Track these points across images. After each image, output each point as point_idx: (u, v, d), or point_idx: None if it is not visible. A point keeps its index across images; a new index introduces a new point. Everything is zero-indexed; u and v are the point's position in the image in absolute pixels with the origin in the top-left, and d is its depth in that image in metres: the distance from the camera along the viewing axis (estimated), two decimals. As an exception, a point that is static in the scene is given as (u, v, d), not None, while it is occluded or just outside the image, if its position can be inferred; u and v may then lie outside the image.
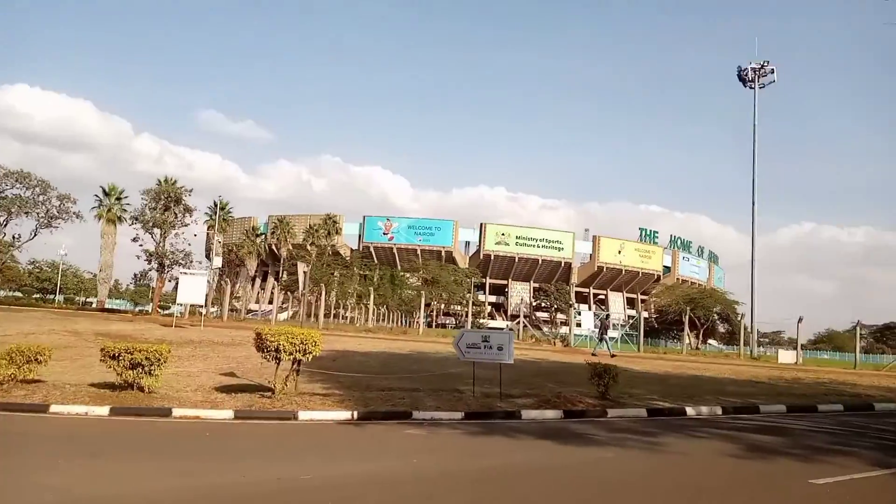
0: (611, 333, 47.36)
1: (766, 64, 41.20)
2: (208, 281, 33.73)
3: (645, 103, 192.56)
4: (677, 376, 18.65)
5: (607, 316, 29.45)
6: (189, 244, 45.09)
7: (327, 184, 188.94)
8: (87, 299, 73.91)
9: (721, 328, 79.45)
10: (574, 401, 12.25)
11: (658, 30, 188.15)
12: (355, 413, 10.75)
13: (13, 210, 47.56)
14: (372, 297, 48.75)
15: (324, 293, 47.66)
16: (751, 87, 41.50)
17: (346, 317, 68.57)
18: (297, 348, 11.07)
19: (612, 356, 24.21)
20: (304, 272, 35.72)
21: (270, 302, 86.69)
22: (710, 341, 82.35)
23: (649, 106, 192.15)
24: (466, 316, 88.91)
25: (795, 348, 30.96)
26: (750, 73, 41.44)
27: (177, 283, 67.30)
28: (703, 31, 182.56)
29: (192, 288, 28.07)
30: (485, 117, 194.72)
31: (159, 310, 51.77)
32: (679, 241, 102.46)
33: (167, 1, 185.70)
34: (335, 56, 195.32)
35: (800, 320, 30.07)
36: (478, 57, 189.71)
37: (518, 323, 36.90)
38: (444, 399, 12.12)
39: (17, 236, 49.29)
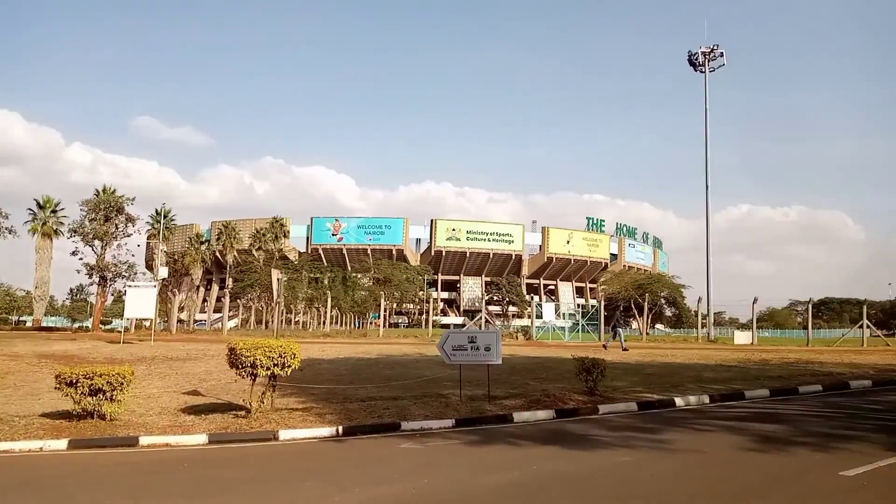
0: (560, 323, 47.62)
1: (715, 48, 41.87)
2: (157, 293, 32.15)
3: (587, 93, 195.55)
4: (650, 364, 18.56)
5: (622, 307, 29.26)
6: (133, 255, 43.13)
7: (271, 186, 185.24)
8: (21, 318, 70.00)
9: (668, 312, 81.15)
10: (563, 399, 11.86)
11: (602, 19, 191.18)
12: (339, 428, 10.08)
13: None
14: (329, 300, 47.52)
15: (280, 300, 46.38)
16: (701, 72, 42.04)
17: (297, 321, 67.03)
18: (276, 362, 10.31)
19: (624, 350, 23.93)
20: (279, 279, 34.22)
21: (217, 311, 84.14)
22: (658, 326, 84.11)
23: (591, 95, 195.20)
24: (420, 314, 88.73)
25: (751, 329, 31.57)
26: (700, 56, 42.01)
27: (117, 297, 64.35)
28: (645, 19, 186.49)
29: (141, 301, 26.62)
30: (427, 113, 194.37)
31: (101, 326, 49.41)
32: (624, 229, 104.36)
33: (90, 4, 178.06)
34: (271, 57, 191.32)
35: (755, 301, 30.66)
36: (416, 53, 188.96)
37: (478, 319, 36.51)
38: (431, 406, 11.53)
39: (-60, 255, 46.17)
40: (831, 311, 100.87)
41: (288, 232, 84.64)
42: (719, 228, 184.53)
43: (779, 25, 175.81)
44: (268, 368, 10.30)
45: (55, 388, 10.35)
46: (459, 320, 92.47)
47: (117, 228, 42.86)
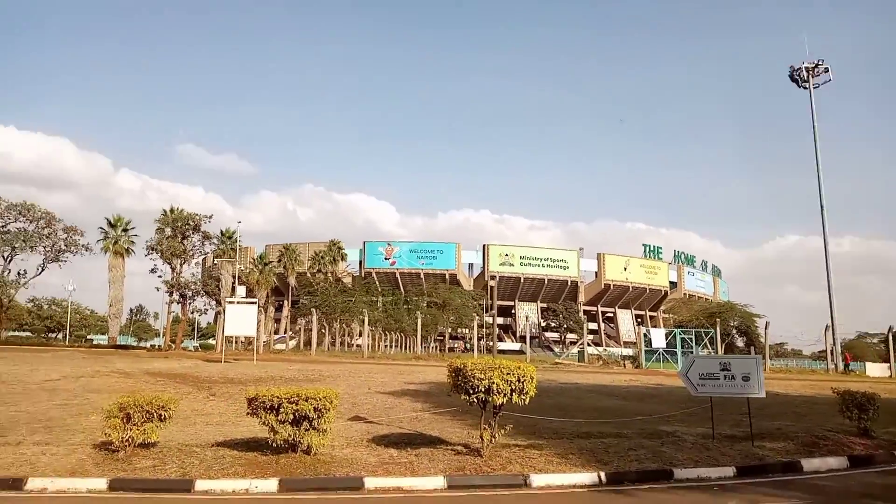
0: (626, 351, 44.34)
1: (820, 62, 39.48)
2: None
3: (626, 119, 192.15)
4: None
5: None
6: (217, 274, 42.55)
7: (313, 213, 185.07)
8: (88, 336, 69.57)
9: (740, 343, 77.21)
10: (844, 443, 9.51)
11: (645, 43, 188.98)
12: (602, 474, 7.94)
13: (17, 245, 44.04)
14: (419, 324, 45.64)
15: (366, 323, 44.77)
16: (804, 88, 39.54)
17: (352, 344, 64.93)
18: (514, 387, 8.23)
19: None
20: (492, 285, 32.03)
21: (276, 332, 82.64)
22: (727, 357, 79.96)
23: (629, 123, 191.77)
24: (475, 339, 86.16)
25: (888, 361, 28.54)
26: (803, 72, 39.65)
27: (196, 316, 63.05)
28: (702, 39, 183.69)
29: (241, 318, 25.03)
30: (464, 140, 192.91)
31: (171, 343, 48.35)
32: (683, 256, 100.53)
33: (135, 36, 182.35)
34: (308, 85, 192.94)
35: (890, 330, 27.66)
36: (455, 82, 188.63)
37: (581, 345, 34.14)
38: (681, 448, 9.31)
39: (22, 272, 45.77)
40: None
41: (345, 255, 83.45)
42: (768, 258, 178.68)
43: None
44: (504, 395, 8.21)
45: (249, 413, 8.43)
46: (516, 346, 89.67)
47: (194, 247, 41.66)
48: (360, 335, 68.03)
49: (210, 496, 7.18)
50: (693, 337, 32.70)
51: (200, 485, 7.34)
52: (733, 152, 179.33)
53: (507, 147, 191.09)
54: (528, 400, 8.40)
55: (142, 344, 64.86)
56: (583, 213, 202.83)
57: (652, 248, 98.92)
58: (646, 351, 32.64)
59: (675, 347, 30.92)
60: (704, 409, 12.53)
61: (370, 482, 7.53)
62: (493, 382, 8.15)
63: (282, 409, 8.05)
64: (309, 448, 8.24)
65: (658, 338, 31.49)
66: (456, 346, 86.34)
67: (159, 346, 55.06)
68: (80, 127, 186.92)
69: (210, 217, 41.64)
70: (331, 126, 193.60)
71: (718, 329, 32.80)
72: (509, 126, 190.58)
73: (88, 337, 68.95)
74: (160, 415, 8.30)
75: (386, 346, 66.88)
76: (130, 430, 8.06)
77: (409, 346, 67.77)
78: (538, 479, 7.75)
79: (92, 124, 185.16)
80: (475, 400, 8.36)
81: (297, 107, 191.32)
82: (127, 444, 8.09)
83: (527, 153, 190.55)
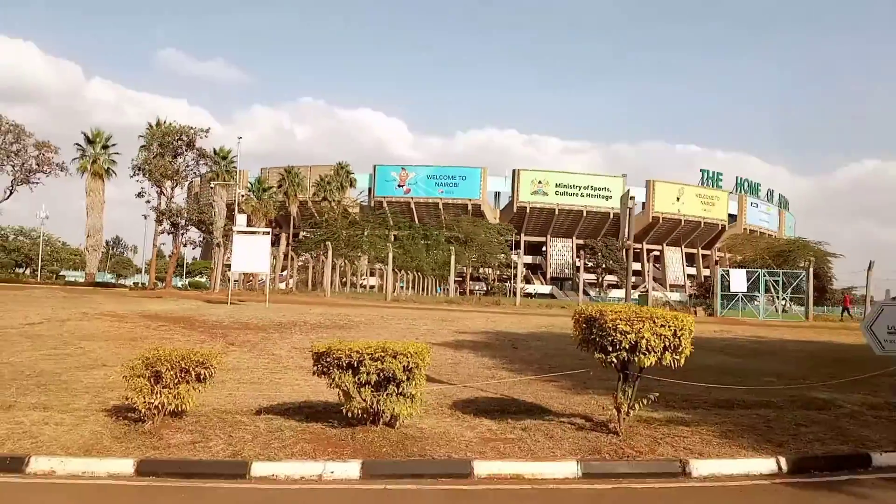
0: (673, 296, 43.85)
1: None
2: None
3: (670, 33, 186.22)
4: None
5: None
6: (209, 201, 41.71)
7: (312, 131, 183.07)
8: (61, 272, 69.19)
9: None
10: None
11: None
12: (781, 460, 6.89)
13: (-19, 162, 42.87)
14: (453, 262, 44.92)
15: (390, 259, 43.74)
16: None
17: (360, 285, 64.24)
18: (668, 343, 7.12)
19: None
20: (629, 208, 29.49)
21: (282, 269, 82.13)
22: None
23: (675, 35, 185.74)
24: (498, 280, 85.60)
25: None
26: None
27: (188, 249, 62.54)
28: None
29: (252, 251, 24.03)
30: (486, 53, 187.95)
31: (158, 281, 47.99)
32: (746, 184, 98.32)
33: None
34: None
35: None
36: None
37: (644, 288, 33.04)
38: (870, 424, 8.32)
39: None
40: None
41: (354, 181, 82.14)
42: (839, 189, 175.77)
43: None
44: (655, 354, 7.11)
45: (316, 372, 7.39)
46: (545, 289, 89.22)
47: (187, 167, 40.90)
48: (369, 274, 67.41)
49: (272, 484, 6.17)
50: (780, 280, 31.83)
51: (258, 468, 6.34)
52: (801, 60, 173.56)
53: (534, 57, 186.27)
54: (682, 359, 7.29)
55: (122, 281, 64.65)
56: (625, 133, 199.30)
57: (711, 175, 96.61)
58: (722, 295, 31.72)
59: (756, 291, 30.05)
60: (847, 370, 11.51)
61: (480, 467, 6.50)
62: (643, 337, 7.03)
63: (363, 369, 6.97)
64: (393, 419, 7.24)
65: (738, 280, 30.33)
66: (476, 288, 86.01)
67: (142, 283, 54.73)
68: (44, 28, 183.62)
69: (207, 131, 40.35)
70: (331, 30, 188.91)
71: (811, 271, 31.77)
72: (537, 33, 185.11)
73: (61, 273, 68.67)
74: (199, 374, 7.28)
75: (401, 287, 66.38)
76: (160, 393, 7.04)
77: (426, 288, 67.21)
78: (700, 467, 6.69)
79: (59, 25, 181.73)
80: (615, 360, 7.24)
81: (294, 7, 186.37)
82: (156, 412, 7.10)
83: (557, 65, 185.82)
